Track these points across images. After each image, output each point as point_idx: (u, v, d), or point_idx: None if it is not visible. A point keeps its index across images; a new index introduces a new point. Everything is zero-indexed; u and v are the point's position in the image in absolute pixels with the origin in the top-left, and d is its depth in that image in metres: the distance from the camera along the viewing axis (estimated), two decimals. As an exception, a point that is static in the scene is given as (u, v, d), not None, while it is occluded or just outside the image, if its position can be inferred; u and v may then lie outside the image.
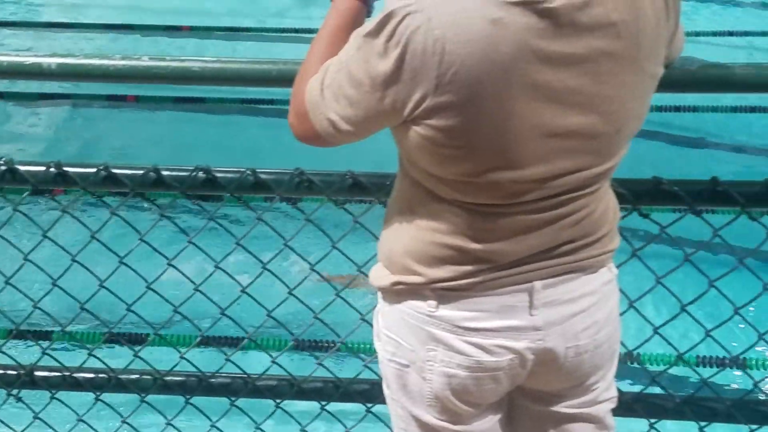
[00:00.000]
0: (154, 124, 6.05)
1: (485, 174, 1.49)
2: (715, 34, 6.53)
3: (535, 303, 1.59)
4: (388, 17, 1.43)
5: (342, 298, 2.16)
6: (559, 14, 1.40)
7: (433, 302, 1.60)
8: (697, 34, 6.30)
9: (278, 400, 2.27)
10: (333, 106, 1.52)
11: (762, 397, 2.15)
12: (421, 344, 1.62)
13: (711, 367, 2.87)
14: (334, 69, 1.52)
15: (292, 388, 2.25)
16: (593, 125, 1.48)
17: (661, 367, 2.31)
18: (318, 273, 2.17)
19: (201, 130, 5.94)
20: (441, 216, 1.57)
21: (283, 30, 7.06)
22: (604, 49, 1.44)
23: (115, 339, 2.63)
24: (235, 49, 6.93)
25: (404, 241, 1.62)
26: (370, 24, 1.46)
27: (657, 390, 2.17)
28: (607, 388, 1.75)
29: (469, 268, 1.57)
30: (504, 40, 1.39)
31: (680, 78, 1.76)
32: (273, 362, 2.22)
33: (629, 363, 2.36)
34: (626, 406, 2.14)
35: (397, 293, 1.64)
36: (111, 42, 7.12)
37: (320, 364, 2.24)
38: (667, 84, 1.69)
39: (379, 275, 1.68)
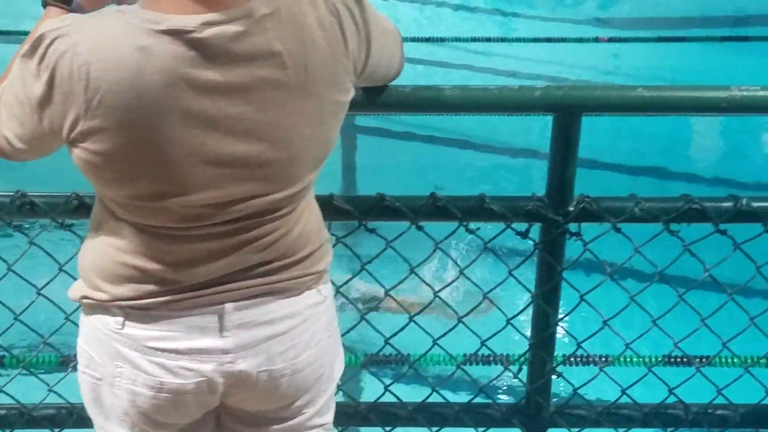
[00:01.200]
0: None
1: (153, 199, 1.49)
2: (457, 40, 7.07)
3: (226, 325, 1.57)
4: (39, 40, 1.44)
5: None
6: (210, 44, 1.41)
7: (120, 319, 1.58)
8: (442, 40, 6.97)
9: (8, 431, 2.18)
10: (8, 123, 1.52)
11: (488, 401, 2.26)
12: (110, 359, 1.59)
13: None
14: (7, 87, 1.52)
15: (22, 417, 2.17)
16: (261, 152, 1.49)
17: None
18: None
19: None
20: (122, 235, 1.56)
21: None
22: (267, 78, 1.45)
23: None
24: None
25: (91, 257, 1.61)
26: (25, 45, 1.46)
27: (391, 398, 2.24)
28: (318, 414, 1.73)
29: (151, 287, 1.55)
30: (151, 68, 1.40)
31: (394, 100, 1.83)
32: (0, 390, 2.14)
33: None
34: (362, 416, 2.21)
35: (89, 306, 1.62)
36: None
37: (51, 390, 2.17)
38: (381, 104, 1.78)
39: (74, 287, 1.65)
